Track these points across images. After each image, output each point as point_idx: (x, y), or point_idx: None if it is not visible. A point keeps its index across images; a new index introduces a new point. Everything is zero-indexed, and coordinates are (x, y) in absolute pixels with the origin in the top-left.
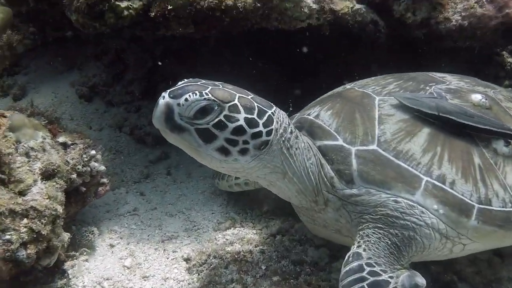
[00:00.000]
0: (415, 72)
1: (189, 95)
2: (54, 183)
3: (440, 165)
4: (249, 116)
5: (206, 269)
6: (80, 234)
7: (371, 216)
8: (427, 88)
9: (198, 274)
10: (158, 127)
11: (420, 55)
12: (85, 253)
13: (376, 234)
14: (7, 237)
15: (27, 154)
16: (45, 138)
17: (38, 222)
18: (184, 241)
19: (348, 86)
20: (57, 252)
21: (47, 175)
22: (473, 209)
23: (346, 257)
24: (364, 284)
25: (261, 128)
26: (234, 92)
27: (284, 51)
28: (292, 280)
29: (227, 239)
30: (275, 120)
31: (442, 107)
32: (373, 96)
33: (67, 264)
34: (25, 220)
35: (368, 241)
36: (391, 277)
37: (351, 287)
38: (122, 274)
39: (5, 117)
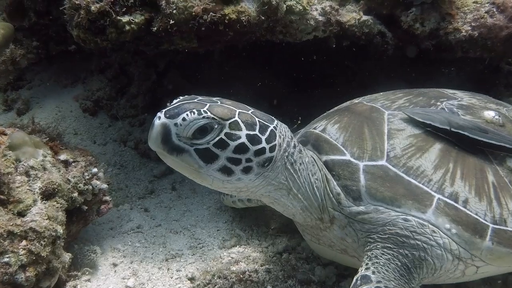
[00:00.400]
0: (426, 87)
1: (187, 114)
2: (55, 202)
3: (453, 182)
4: (251, 133)
5: None
6: (82, 253)
7: (380, 236)
8: (438, 103)
9: None
10: (155, 149)
11: (429, 64)
12: (87, 273)
13: (386, 255)
14: (6, 259)
15: (27, 173)
16: (45, 156)
17: (37, 244)
18: (189, 260)
19: (356, 100)
20: (58, 273)
21: (48, 194)
22: (488, 229)
23: (354, 280)
24: None
25: (264, 144)
26: (234, 108)
27: (291, 63)
28: None
29: (232, 258)
30: (277, 135)
31: (455, 122)
32: (382, 110)
33: (69, 285)
34: (24, 242)
35: (377, 262)
36: None
37: None
38: None
39: (5, 135)
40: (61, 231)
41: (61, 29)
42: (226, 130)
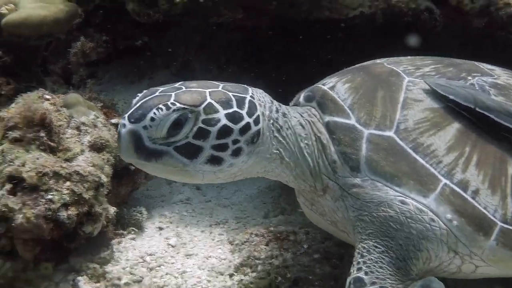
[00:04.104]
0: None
1: (154, 113)
2: (102, 155)
3: (466, 168)
4: (230, 111)
5: (248, 247)
6: (130, 214)
7: (372, 218)
8: (469, 78)
9: (240, 252)
10: (129, 161)
11: (480, 47)
12: (132, 232)
13: (379, 248)
14: (49, 196)
15: (78, 128)
16: (97, 117)
17: (80, 186)
18: (232, 226)
19: (378, 60)
20: (100, 221)
21: (96, 148)
22: (495, 228)
23: (347, 283)
24: None
25: (247, 119)
26: (203, 90)
27: (333, 44)
28: (334, 260)
29: (273, 223)
30: (257, 104)
31: (481, 101)
32: (402, 76)
33: (115, 241)
34: (68, 183)
35: (370, 259)
36: None
37: None
38: (166, 251)
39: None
40: (105, 179)
41: (129, 25)
42: (202, 116)
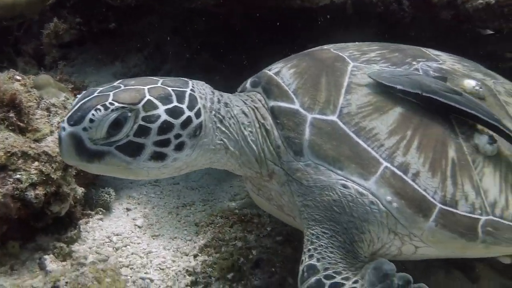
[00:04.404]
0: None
1: (93, 114)
2: None
3: (407, 152)
4: (170, 106)
5: (212, 228)
6: (98, 194)
7: (315, 203)
8: (414, 63)
9: (205, 233)
10: (72, 164)
11: (449, 39)
12: (100, 213)
13: (327, 233)
14: (17, 176)
15: (47, 109)
16: (68, 99)
17: (48, 166)
18: (199, 208)
19: (325, 46)
20: (68, 201)
21: None
22: (434, 209)
23: (300, 272)
24: None
25: (187, 112)
26: (142, 87)
27: (307, 34)
28: (296, 243)
29: (238, 205)
30: (197, 97)
31: (426, 86)
32: (347, 61)
33: (82, 221)
34: (36, 163)
35: (320, 246)
36: (355, 282)
37: None
38: (133, 232)
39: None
40: None
41: (102, 8)
42: (142, 114)
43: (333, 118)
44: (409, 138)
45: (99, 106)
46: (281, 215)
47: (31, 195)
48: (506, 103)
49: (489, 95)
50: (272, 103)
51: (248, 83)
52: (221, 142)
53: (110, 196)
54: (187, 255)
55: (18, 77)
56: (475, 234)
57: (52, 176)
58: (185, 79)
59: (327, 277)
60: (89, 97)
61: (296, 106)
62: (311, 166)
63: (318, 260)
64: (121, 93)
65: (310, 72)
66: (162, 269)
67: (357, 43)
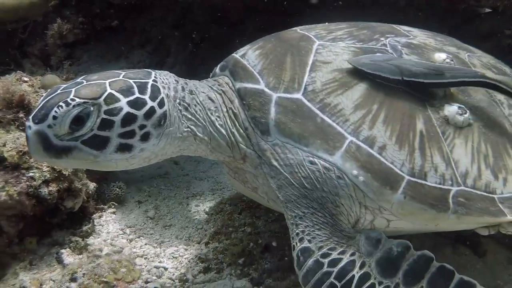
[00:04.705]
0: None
1: (55, 111)
2: None
3: (372, 125)
4: (132, 98)
5: (222, 216)
6: (109, 189)
7: (288, 182)
8: (382, 39)
9: (215, 221)
10: (41, 161)
11: (444, 19)
12: (113, 207)
13: (307, 212)
14: (31, 174)
15: None
16: None
17: None
18: (208, 198)
19: (294, 28)
20: (80, 196)
21: None
22: (402, 181)
23: (295, 257)
24: (332, 279)
25: (150, 103)
26: (103, 81)
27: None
28: None
29: None
30: (160, 86)
31: (406, 70)
32: (313, 40)
33: (95, 215)
34: None
35: (306, 226)
36: (352, 254)
37: None
38: (145, 223)
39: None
40: None
41: (104, 6)
42: (104, 107)
43: (298, 96)
44: (375, 112)
45: (61, 103)
46: (256, 196)
47: (45, 192)
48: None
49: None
50: (238, 85)
51: (217, 68)
52: (188, 129)
53: (121, 190)
54: (198, 243)
55: (25, 79)
56: (446, 204)
57: (64, 173)
58: (148, 70)
59: (324, 255)
60: (52, 95)
61: (261, 86)
62: (278, 145)
63: (309, 241)
64: (82, 89)
65: (275, 52)
66: (175, 258)
67: (326, 23)
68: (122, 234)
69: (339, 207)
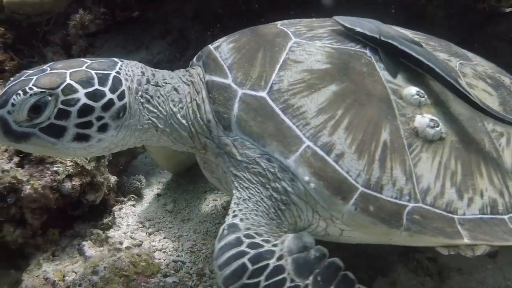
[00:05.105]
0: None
1: (14, 98)
2: None
3: (333, 131)
4: (90, 90)
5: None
6: (129, 182)
7: (244, 174)
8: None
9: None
10: (1, 144)
11: (465, 18)
12: (132, 199)
13: (254, 198)
14: (55, 168)
15: None
16: None
17: (82, 158)
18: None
19: (277, 22)
20: (102, 190)
21: None
22: (355, 192)
23: (221, 230)
24: (245, 259)
25: (109, 95)
26: (64, 71)
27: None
28: None
29: None
30: (123, 79)
31: (385, 32)
32: (289, 37)
33: (116, 208)
34: None
35: (246, 207)
36: (275, 245)
37: (229, 265)
38: (164, 217)
39: None
40: None
41: None
42: (61, 98)
43: (263, 94)
44: (338, 117)
45: (19, 91)
46: (221, 187)
47: (68, 186)
48: (470, 85)
49: None
50: (207, 77)
51: (195, 58)
52: (150, 121)
53: (141, 183)
54: (216, 238)
55: None
56: (399, 221)
57: (87, 167)
58: (115, 59)
59: (247, 236)
60: (16, 81)
61: (229, 80)
62: (238, 141)
63: (241, 220)
64: (42, 78)
65: (248, 47)
66: (193, 252)
67: (313, 19)
68: (141, 227)
69: (288, 206)
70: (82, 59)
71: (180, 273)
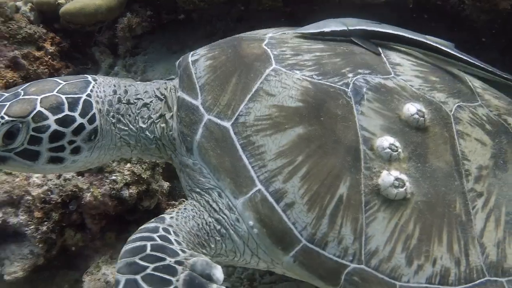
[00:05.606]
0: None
1: None
2: None
3: (288, 179)
4: (60, 116)
5: None
6: (180, 187)
7: (196, 196)
8: (349, 75)
9: None
10: None
11: (508, 29)
12: (183, 203)
13: (193, 212)
14: (113, 177)
15: None
16: None
17: (139, 167)
18: None
19: (270, 33)
20: (156, 196)
21: None
22: (297, 245)
23: (150, 221)
24: (148, 243)
25: (79, 120)
26: (35, 97)
27: None
28: None
29: None
30: (93, 102)
31: (350, 22)
32: (269, 62)
33: (167, 211)
34: (128, 165)
35: (182, 213)
36: (183, 251)
37: (134, 242)
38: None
39: None
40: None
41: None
42: (32, 125)
43: (227, 124)
44: (297, 164)
45: None
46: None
47: (126, 194)
48: (461, 135)
49: (436, 124)
50: (179, 93)
51: (177, 62)
52: (122, 139)
53: None
54: None
55: None
56: (337, 280)
57: (143, 176)
58: (88, 79)
59: (166, 230)
60: None
61: (198, 102)
62: (197, 166)
63: (171, 217)
64: (13, 106)
65: (224, 68)
66: None
67: (309, 40)
68: None
69: (224, 239)
70: (56, 79)
71: (232, 278)
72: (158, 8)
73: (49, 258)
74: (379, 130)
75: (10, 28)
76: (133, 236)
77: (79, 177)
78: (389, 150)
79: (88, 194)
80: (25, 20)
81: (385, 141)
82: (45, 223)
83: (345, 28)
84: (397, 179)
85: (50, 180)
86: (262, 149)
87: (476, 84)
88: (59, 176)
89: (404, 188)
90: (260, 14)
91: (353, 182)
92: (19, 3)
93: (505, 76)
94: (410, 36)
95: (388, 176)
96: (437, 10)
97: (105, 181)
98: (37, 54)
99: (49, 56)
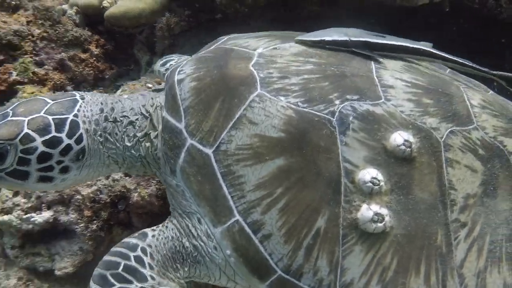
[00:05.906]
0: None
1: None
2: None
3: (267, 211)
4: (47, 137)
5: None
6: None
7: (178, 217)
8: (337, 102)
9: None
10: None
11: None
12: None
13: (173, 233)
14: None
15: None
16: None
17: None
18: None
19: (260, 49)
20: None
21: None
22: (272, 275)
23: (134, 234)
24: (123, 262)
25: (66, 141)
26: (23, 118)
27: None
28: None
29: None
30: (80, 122)
31: (352, 32)
32: (255, 87)
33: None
34: None
35: (163, 232)
36: (152, 278)
37: (113, 256)
38: None
39: None
40: None
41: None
42: (20, 147)
43: (209, 151)
44: (276, 196)
45: None
46: None
47: None
48: (450, 163)
49: (424, 154)
50: (164, 113)
51: (167, 74)
52: (110, 157)
53: None
54: None
55: (149, 85)
56: None
57: None
58: (76, 97)
59: (143, 250)
60: None
61: (181, 125)
62: (180, 188)
63: (153, 236)
64: (1, 128)
65: (208, 91)
66: None
67: (309, 58)
68: None
69: (200, 265)
70: (44, 98)
71: None
72: (196, 8)
73: (98, 254)
74: (362, 161)
75: (57, 32)
76: (114, 249)
77: (127, 178)
78: (370, 184)
79: (135, 194)
80: (71, 23)
81: (367, 174)
82: (95, 221)
83: (347, 39)
84: (376, 214)
85: (99, 180)
86: (242, 179)
87: (474, 102)
88: (108, 177)
89: (383, 222)
90: (298, 11)
91: (332, 215)
92: (65, 6)
93: (484, 70)
94: (412, 46)
95: (367, 211)
96: (473, 14)
97: (152, 182)
98: (83, 56)
99: (94, 58)
